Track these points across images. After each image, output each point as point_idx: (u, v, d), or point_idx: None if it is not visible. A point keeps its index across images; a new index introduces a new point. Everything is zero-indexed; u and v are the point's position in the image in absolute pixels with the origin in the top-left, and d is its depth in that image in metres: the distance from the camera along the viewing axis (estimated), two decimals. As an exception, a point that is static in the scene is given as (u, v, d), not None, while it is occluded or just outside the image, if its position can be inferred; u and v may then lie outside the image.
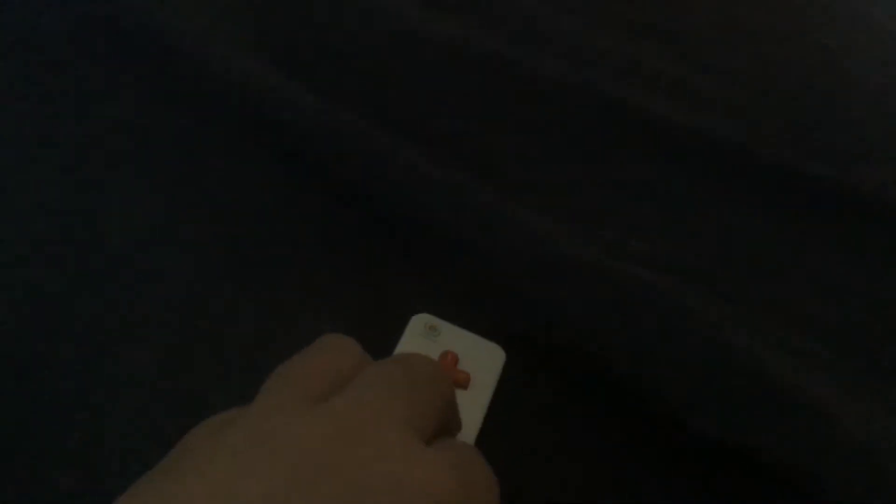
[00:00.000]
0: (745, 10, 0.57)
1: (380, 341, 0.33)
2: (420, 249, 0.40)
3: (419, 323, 0.34)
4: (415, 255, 0.40)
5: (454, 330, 0.34)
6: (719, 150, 0.46)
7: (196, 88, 0.47)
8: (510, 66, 0.49)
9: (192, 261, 0.40)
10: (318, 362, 0.26)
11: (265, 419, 0.23)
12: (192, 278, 0.39)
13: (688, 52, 0.52)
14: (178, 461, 0.22)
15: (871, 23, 0.56)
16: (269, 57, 0.48)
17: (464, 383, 0.32)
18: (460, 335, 0.34)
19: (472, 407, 0.31)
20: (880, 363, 0.37)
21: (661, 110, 0.47)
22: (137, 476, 0.22)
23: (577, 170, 0.45)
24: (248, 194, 0.43)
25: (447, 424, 0.28)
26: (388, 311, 0.35)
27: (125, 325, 0.37)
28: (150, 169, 0.44)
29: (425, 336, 0.33)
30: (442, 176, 0.41)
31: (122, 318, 0.37)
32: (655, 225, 0.43)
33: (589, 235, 0.40)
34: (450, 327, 0.34)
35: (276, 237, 0.41)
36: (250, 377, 0.26)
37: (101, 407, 0.34)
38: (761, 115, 0.49)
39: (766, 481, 0.32)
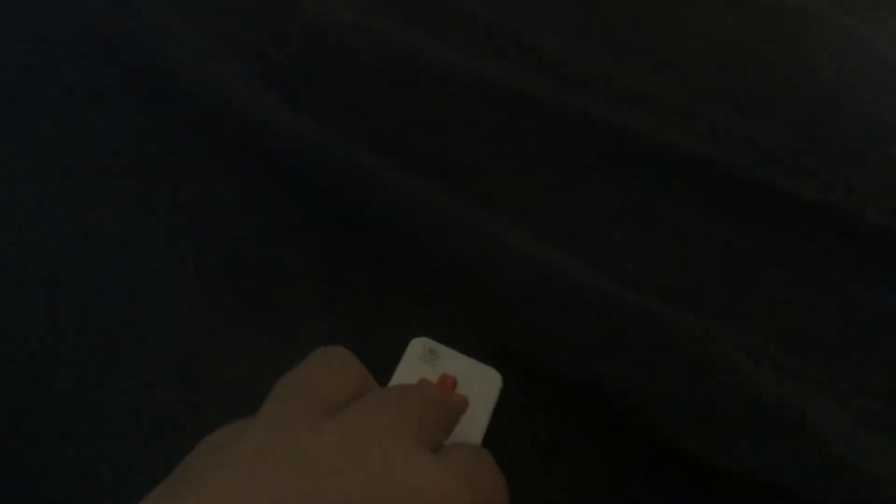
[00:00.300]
0: (739, 34, 0.57)
1: (379, 364, 0.33)
2: (418, 273, 0.40)
3: (418, 346, 0.34)
4: (413, 279, 0.40)
5: (452, 354, 0.34)
6: (711, 171, 0.46)
7: (197, 115, 0.47)
8: (506, 91, 0.49)
9: (190, 283, 0.40)
10: (320, 374, 0.27)
11: (273, 431, 0.24)
12: (190, 300, 0.39)
13: (681, 76, 0.52)
14: (187, 476, 0.23)
15: (867, 49, 0.57)
16: (269, 84, 0.48)
17: (461, 407, 0.33)
18: (458, 359, 0.34)
19: (470, 431, 0.32)
20: (870, 382, 0.38)
21: (654, 133, 0.47)
22: (136, 484, 0.23)
23: (572, 193, 0.45)
24: (246, 220, 0.43)
25: (449, 425, 0.29)
26: (387, 334, 0.36)
27: (117, 343, 0.37)
28: (150, 193, 0.44)
29: (424, 360, 0.34)
30: (439, 201, 0.42)
31: (115, 337, 0.38)
32: (649, 247, 0.43)
33: (583, 258, 0.40)
34: (448, 351, 0.34)
35: (274, 260, 0.41)
36: (248, 397, 0.26)
37: (101, 408, 0.35)
38: (750, 135, 0.49)
39: (756, 499, 0.33)
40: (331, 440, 0.23)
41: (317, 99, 0.49)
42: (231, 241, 0.42)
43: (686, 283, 0.41)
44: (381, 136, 0.46)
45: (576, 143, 0.48)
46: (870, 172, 0.48)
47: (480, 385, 0.34)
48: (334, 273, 0.41)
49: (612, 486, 0.35)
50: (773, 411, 0.34)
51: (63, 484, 0.33)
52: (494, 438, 0.32)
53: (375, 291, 0.40)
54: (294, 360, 0.28)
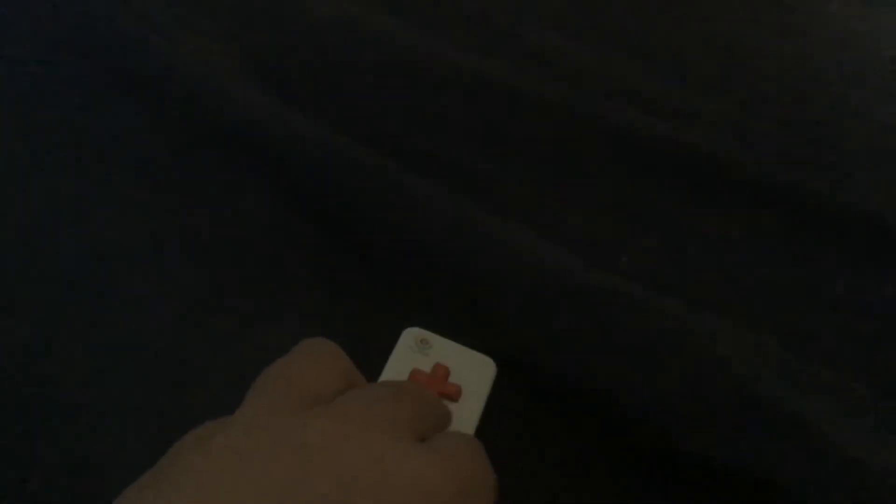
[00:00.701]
0: (736, 28, 0.57)
1: (372, 357, 0.33)
2: (416, 270, 0.40)
3: (410, 336, 0.34)
4: (410, 276, 0.40)
5: (445, 343, 0.34)
6: (708, 166, 0.46)
7: (195, 113, 0.47)
8: (503, 87, 0.50)
9: (189, 282, 0.40)
10: (304, 366, 0.27)
11: (256, 424, 0.23)
12: (189, 299, 0.39)
13: (680, 71, 0.53)
14: (170, 469, 0.22)
15: (861, 43, 0.57)
16: (266, 82, 0.49)
17: (455, 396, 0.32)
18: (451, 348, 0.34)
19: (464, 419, 0.31)
20: (869, 377, 0.37)
21: (651, 128, 0.48)
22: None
23: (569, 189, 0.46)
24: (244, 217, 0.43)
25: (439, 423, 0.29)
26: (383, 330, 0.35)
27: (115, 344, 0.37)
28: (141, 193, 0.44)
29: (416, 350, 0.34)
30: (437, 198, 0.42)
31: (113, 337, 0.37)
32: (647, 243, 0.43)
33: (580, 253, 0.40)
34: (441, 340, 0.34)
35: (273, 258, 0.41)
36: (239, 395, 0.26)
37: (97, 406, 0.35)
38: (748, 130, 0.49)
39: (755, 497, 0.32)
40: (314, 432, 0.23)
41: (314, 96, 0.49)
42: (228, 238, 0.42)
43: (684, 279, 0.41)
44: (379, 133, 0.46)
45: (573, 139, 0.48)
46: (869, 166, 0.48)
47: (474, 373, 0.33)
48: (332, 270, 0.41)
49: (609, 483, 0.34)
50: (771, 408, 0.34)
51: (58, 482, 0.32)
52: (490, 434, 0.32)
53: (373, 289, 0.40)
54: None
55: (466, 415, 0.32)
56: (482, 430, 0.32)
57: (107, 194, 0.43)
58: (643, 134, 0.47)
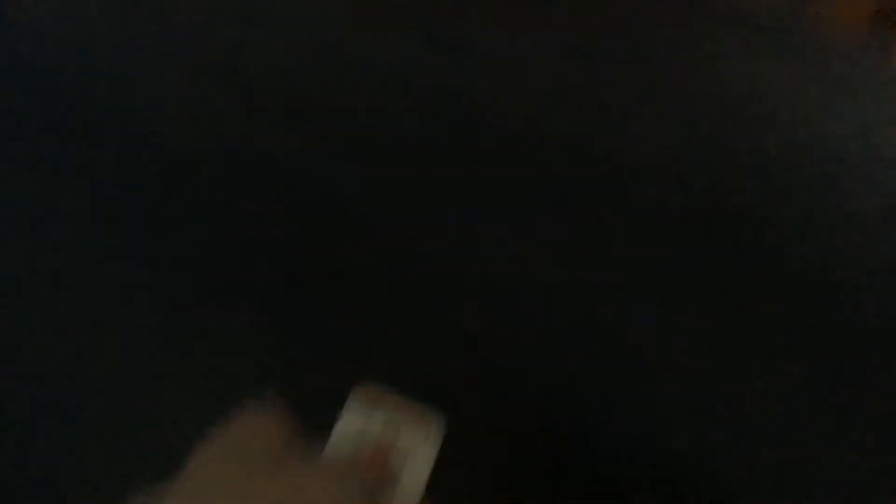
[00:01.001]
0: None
1: (323, 401, 0.34)
2: (369, 305, 0.41)
3: (359, 397, 0.35)
4: (364, 310, 0.41)
5: (393, 403, 0.36)
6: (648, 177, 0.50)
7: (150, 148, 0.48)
8: (453, 96, 0.53)
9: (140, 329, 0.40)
10: (244, 435, 0.27)
11: (205, 491, 0.24)
12: (139, 345, 0.40)
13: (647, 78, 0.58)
14: None
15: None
16: (223, 84, 0.49)
17: (394, 478, 0.33)
18: (399, 408, 0.35)
19: (413, 479, 0.33)
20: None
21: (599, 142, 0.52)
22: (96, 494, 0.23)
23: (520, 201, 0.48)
24: (203, 250, 0.44)
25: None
26: (334, 373, 0.36)
27: (71, 386, 0.37)
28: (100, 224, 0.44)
29: (365, 413, 0.35)
30: (387, 218, 0.44)
31: (69, 378, 0.37)
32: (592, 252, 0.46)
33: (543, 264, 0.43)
34: (389, 399, 0.36)
35: (225, 301, 0.42)
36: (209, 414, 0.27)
37: (67, 414, 0.35)
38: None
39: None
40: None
41: (279, 109, 0.50)
42: (190, 277, 0.43)
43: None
44: (346, 143, 0.48)
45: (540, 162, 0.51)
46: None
47: (421, 432, 0.35)
48: (287, 317, 0.41)
49: None
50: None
51: (24, 490, 0.32)
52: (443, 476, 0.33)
53: (325, 332, 0.40)
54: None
55: (415, 474, 0.33)
56: (432, 484, 0.33)
57: (78, 229, 0.44)
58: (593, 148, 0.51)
